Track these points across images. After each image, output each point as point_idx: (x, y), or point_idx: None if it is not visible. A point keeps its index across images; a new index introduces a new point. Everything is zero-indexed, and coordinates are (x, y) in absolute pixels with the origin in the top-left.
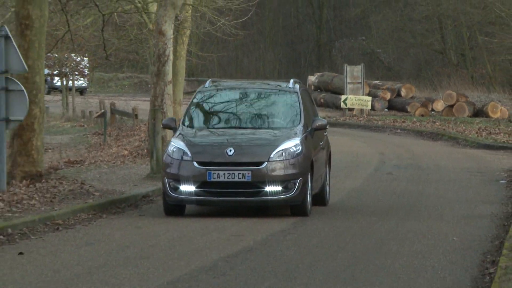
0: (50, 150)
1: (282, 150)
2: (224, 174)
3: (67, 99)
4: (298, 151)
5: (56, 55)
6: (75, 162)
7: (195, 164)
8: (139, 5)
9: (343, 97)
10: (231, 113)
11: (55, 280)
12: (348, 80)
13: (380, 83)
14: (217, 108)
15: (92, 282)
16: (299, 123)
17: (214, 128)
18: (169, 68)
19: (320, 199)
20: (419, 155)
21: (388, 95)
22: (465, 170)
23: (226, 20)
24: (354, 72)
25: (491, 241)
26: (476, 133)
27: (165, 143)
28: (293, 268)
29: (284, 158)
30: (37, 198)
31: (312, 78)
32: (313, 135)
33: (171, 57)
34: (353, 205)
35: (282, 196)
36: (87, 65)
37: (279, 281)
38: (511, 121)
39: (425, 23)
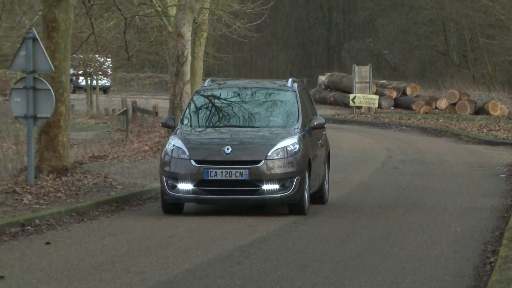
0: (75, 146)
1: (279, 148)
2: (222, 172)
3: (91, 97)
4: (295, 150)
5: (81, 56)
6: (98, 157)
7: (193, 162)
8: (159, 9)
9: (351, 96)
10: (229, 111)
11: (80, 268)
12: (357, 80)
13: (387, 83)
14: (215, 107)
15: (114, 270)
16: (297, 121)
17: (212, 126)
18: (187, 68)
19: (319, 197)
20: (423, 150)
21: (394, 94)
22: (467, 165)
23: (241, 23)
24: (362, 72)
25: (491, 232)
26: (478, 129)
27: None
28: (305, 257)
29: (281, 157)
30: (63, 191)
31: (322, 78)
32: (311, 134)
33: (189, 58)
34: (361, 198)
35: (279, 195)
36: (110, 65)
37: (291, 269)
38: (511, 119)
39: (429, 26)
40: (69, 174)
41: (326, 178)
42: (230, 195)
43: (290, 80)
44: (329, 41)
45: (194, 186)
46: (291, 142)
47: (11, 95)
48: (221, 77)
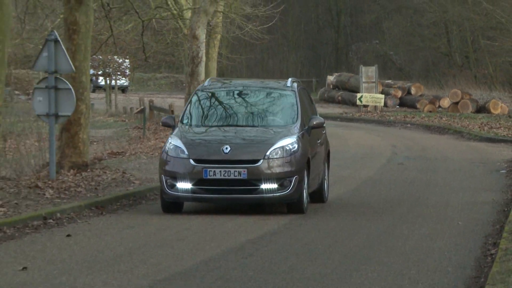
0: (95, 143)
1: (278, 148)
2: (220, 171)
3: (110, 96)
4: (294, 149)
5: (100, 57)
6: (117, 153)
7: (192, 161)
8: (175, 12)
9: (358, 95)
10: (229, 111)
11: (99, 259)
12: (363, 80)
13: (392, 83)
14: (215, 106)
15: (132, 262)
16: (296, 121)
17: (211, 126)
18: (202, 69)
19: (318, 196)
20: (427, 147)
21: (399, 93)
22: (469, 161)
23: (253, 25)
24: (368, 73)
25: (492, 225)
26: (479, 127)
27: None
28: (313, 249)
29: (280, 156)
30: (83, 186)
31: (331, 78)
32: (310, 133)
33: (204, 59)
34: (368, 193)
35: (278, 194)
36: (128, 66)
37: (301, 261)
38: (511, 117)
39: (433, 29)
40: (89, 170)
41: (326, 177)
42: (228, 194)
43: (289, 80)
44: (337, 43)
45: (193, 185)
46: (290, 142)
47: (34, 94)
48: (234, 77)
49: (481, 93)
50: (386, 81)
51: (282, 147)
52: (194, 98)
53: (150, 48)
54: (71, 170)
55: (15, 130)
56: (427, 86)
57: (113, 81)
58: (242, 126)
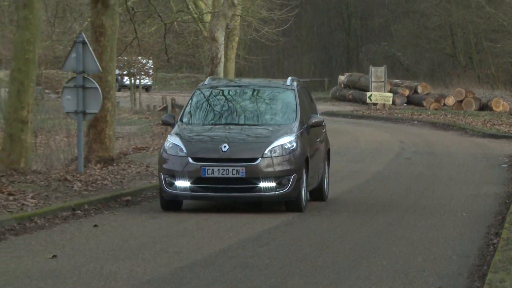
0: (120, 138)
1: (276, 146)
2: (218, 170)
3: (135, 95)
4: (292, 148)
5: (125, 58)
6: (141, 148)
7: (190, 160)
8: (195, 15)
9: (368, 94)
10: (228, 109)
11: (124, 248)
12: (373, 79)
13: (400, 82)
14: (214, 105)
15: (155, 250)
16: (295, 119)
17: (210, 124)
18: (220, 69)
19: (318, 194)
20: (433, 143)
21: (406, 92)
22: (472, 156)
23: (269, 28)
24: (377, 73)
25: (494, 216)
26: (482, 124)
27: None
28: (326, 239)
29: (278, 154)
30: (109, 179)
31: (342, 78)
32: (309, 132)
33: (223, 59)
34: (377, 186)
35: (276, 192)
36: (152, 66)
37: (314, 250)
38: None
39: (438, 31)
40: (114, 164)
41: (326, 175)
42: (226, 193)
43: (289, 78)
44: (348, 45)
45: (191, 183)
46: (288, 140)
47: (63, 93)
48: (250, 77)
49: (483, 92)
50: (394, 80)
51: (281, 146)
52: (194, 97)
53: (172, 50)
54: (98, 164)
55: (45, 127)
56: (433, 85)
57: (137, 81)
58: (241, 124)
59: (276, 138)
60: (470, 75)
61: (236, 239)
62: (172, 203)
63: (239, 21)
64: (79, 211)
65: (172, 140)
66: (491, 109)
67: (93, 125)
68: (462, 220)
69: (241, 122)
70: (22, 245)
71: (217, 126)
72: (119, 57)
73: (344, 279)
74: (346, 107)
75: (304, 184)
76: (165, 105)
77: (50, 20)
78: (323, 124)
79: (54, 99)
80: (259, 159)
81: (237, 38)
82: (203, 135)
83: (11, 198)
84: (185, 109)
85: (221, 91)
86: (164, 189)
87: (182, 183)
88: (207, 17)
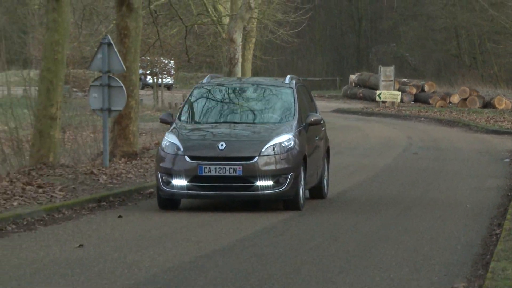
0: (143, 134)
1: (273, 144)
2: (215, 168)
3: (157, 93)
4: (290, 146)
5: (148, 58)
6: None
7: (187, 158)
8: (214, 18)
9: (377, 92)
10: (226, 108)
11: (147, 238)
12: (382, 79)
13: (408, 81)
14: (212, 103)
15: (176, 240)
16: (293, 118)
17: (208, 123)
18: (238, 69)
19: (318, 192)
20: (439, 138)
21: (414, 91)
22: (476, 151)
23: (284, 30)
24: (386, 72)
25: (497, 208)
26: (485, 121)
27: None
28: (337, 229)
29: (276, 153)
30: (133, 173)
31: (353, 77)
32: (308, 130)
33: (240, 60)
34: (386, 179)
35: (273, 191)
36: (173, 66)
37: (326, 240)
38: None
39: (444, 33)
40: (138, 158)
41: (326, 173)
42: (224, 191)
43: (288, 76)
44: (358, 46)
45: (188, 182)
46: (286, 138)
47: (90, 91)
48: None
49: (487, 90)
50: (402, 79)
51: (278, 144)
52: (192, 95)
53: (193, 51)
54: (122, 159)
55: (73, 123)
56: (439, 84)
57: (159, 80)
58: (239, 123)
59: (274, 137)
60: (474, 74)
61: (252, 230)
62: (170, 202)
63: (255, 23)
64: (104, 203)
65: (169, 138)
66: (494, 106)
67: (117, 122)
68: (467, 212)
69: (239, 120)
70: (50, 235)
71: (215, 124)
72: (143, 57)
73: (354, 267)
74: (357, 105)
75: (302, 182)
76: None
77: (77, 23)
78: (322, 122)
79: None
80: (256, 157)
81: (254, 40)
82: (200, 133)
83: (40, 190)
84: (183, 107)
85: (219, 90)
86: (161, 187)
87: (179, 182)
88: (226, 20)
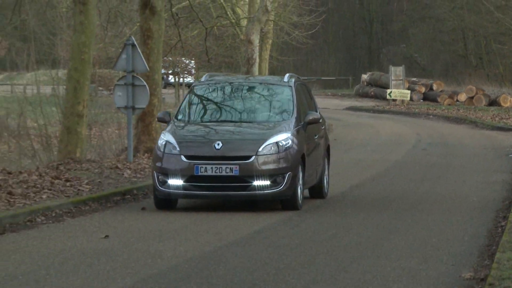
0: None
1: (271, 144)
2: (212, 168)
3: (179, 92)
4: (287, 145)
5: (170, 58)
6: None
7: (183, 158)
8: (233, 21)
9: (388, 91)
10: (223, 107)
11: (169, 229)
12: (392, 78)
13: (417, 80)
14: (210, 102)
15: (196, 231)
16: (291, 116)
17: (205, 122)
18: (255, 69)
19: (318, 192)
20: (446, 135)
21: (423, 89)
22: (482, 147)
23: (299, 32)
24: (397, 72)
25: (502, 201)
26: (491, 118)
27: None
28: (350, 222)
29: (273, 152)
30: None
31: (365, 76)
32: (307, 129)
33: (257, 60)
34: (396, 174)
35: (270, 191)
36: (194, 66)
37: (339, 231)
38: None
39: (452, 34)
40: None
41: (326, 172)
42: (220, 191)
43: (287, 75)
44: (370, 47)
45: (184, 182)
46: (283, 137)
47: (115, 90)
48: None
49: (492, 89)
50: (412, 79)
51: (276, 143)
52: (190, 94)
53: (212, 51)
54: (146, 154)
55: (98, 120)
56: (447, 83)
57: (181, 79)
58: (236, 122)
59: (271, 136)
60: (480, 74)
61: (269, 222)
62: (166, 202)
63: (272, 25)
64: (128, 196)
65: (166, 137)
66: (499, 104)
67: (141, 119)
68: (473, 205)
69: (237, 119)
70: (78, 226)
71: (212, 124)
72: (165, 57)
73: (366, 258)
74: (368, 103)
75: (300, 182)
76: None
77: (103, 25)
78: (321, 121)
79: (106, 95)
80: (253, 157)
81: (270, 41)
82: (196, 132)
83: (68, 184)
84: (180, 106)
85: (217, 88)
86: (157, 187)
87: (175, 182)
88: (244, 22)
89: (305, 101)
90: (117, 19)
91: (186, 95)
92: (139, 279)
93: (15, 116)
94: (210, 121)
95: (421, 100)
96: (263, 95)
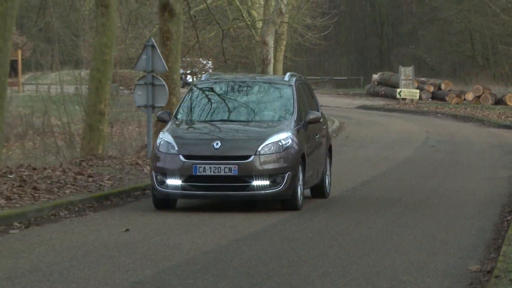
0: None
1: (270, 143)
2: (210, 168)
3: None
4: (287, 145)
5: (188, 59)
6: None
7: (181, 157)
8: (248, 23)
9: (398, 90)
10: (223, 106)
11: (187, 223)
12: (402, 78)
13: (426, 80)
14: (210, 101)
15: (213, 225)
16: (292, 116)
17: (204, 121)
18: (270, 69)
19: (319, 192)
20: (454, 133)
21: (431, 89)
22: (488, 144)
23: (312, 34)
24: (406, 72)
25: (508, 197)
26: (497, 116)
27: None
28: (362, 215)
29: (272, 152)
30: None
31: (375, 76)
32: (307, 128)
33: (272, 61)
34: (406, 170)
35: (270, 191)
36: (211, 66)
37: (351, 225)
38: None
39: (459, 36)
40: None
41: (328, 172)
42: (219, 191)
43: (288, 74)
44: (381, 48)
45: (182, 182)
46: (283, 137)
47: (135, 89)
48: None
49: (499, 88)
50: (421, 78)
51: (275, 143)
52: (190, 93)
53: (229, 52)
54: None
55: (120, 118)
56: (454, 83)
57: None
58: (235, 121)
59: (271, 135)
60: (487, 74)
61: (283, 216)
62: (165, 202)
63: (286, 27)
64: (148, 191)
65: (164, 137)
66: (505, 103)
67: None
68: (480, 200)
69: (236, 118)
70: (99, 220)
71: (211, 123)
72: (183, 58)
73: (377, 251)
74: (379, 102)
75: (301, 182)
76: None
77: (124, 27)
78: (321, 120)
79: (127, 94)
80: (252, 156)
81: (284, 42)
82: (195, 132)
83: (90, 179)
84: (180, 105)
85: (217, 88)
86: (156, 187)
87: (174, 182)
88: (259, 24)
89: (306, 101)
90: (138, 21)
91: (186, 94)
92: (159, 271)
93: (40, 115)
94: (209, 120)
95: (430, 99)
96: (263, 94)
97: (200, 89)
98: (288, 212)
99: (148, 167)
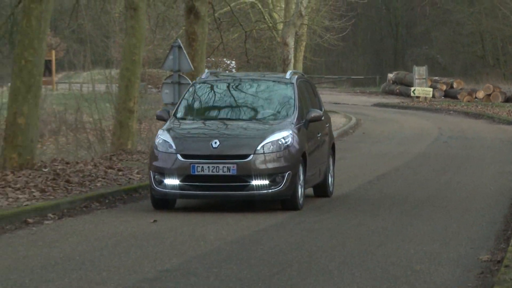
0: None
1: (270, 142)
2: (209, 167)
3: None
4: (287, 143)
5: (213, 59)
6: None
7: (179, 157)
8: (270, 25)
9: (412, 89)
10: (223, 104)
11: (212, 214)
12: (416, 77)
13: (439, 79)
14: (209, 99)
15: (237, 217)
16: (292, 114)
17: (203, 119)
18: (291, 68)
19: (322, 191)
20: (466, 129)
21: (444, 87)
22: (499, 140)
23: (331, 35)
24: (420, 71)
25: None
26: (507, 114)
27: None
28: (377, 208)
29: (272, 150)
30: None
31: (390, 75)
32: (308, 127)
33: (292, 61)
34: (419, 164)
35: (269, 190)
36: (234, 66)
37: (367, 217)
38: None
39: (471, 37)
40: None
41: (330, 171)
42: (217, 191)
43: (289, 72)
44: (396, 48)
45: (180, 181)
46: (283, 135)
47: (162, 88)
48: (315, 75)
49: (508, 87)
50: (434, 78)
51: (275, 141)
52: (189, 91)
53: (251, 53)
54: None
55: (148, 115)
56: (466, 81)
57: None
58: (235, 119)
59: (270, 134)
60: (497, 73)
61: (304, 208)
62: (164, 202)
63: (306, 29)
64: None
65: (162, 136)
66: None
67: None
68: (490, 193)
69: (236, 117)
70: (129, 212)
71: (210, 122)
72: (208, 58)
73: (392, 241)
74: (394, 100)
75: (301, 181)
76: None
77: (152, 29)
78: (323, 118)
79: (155, 92)
80: (251, 155)
81: (304, 43)
82: (194, 131)
83: (120, 173)
84: (179, 104)
85: (217, 86)
86: (154, 187)
87: (171, 181)
88: (280, 26)
89: (308, 99)
90: (165, 23)
91: (185, 92)
92: (185, 260)
93: (73, 112)
94: (208, 119)
95: (443, 97)
96: (264, 93)
97: (200, 87)
98: (307, 205)
99: None
